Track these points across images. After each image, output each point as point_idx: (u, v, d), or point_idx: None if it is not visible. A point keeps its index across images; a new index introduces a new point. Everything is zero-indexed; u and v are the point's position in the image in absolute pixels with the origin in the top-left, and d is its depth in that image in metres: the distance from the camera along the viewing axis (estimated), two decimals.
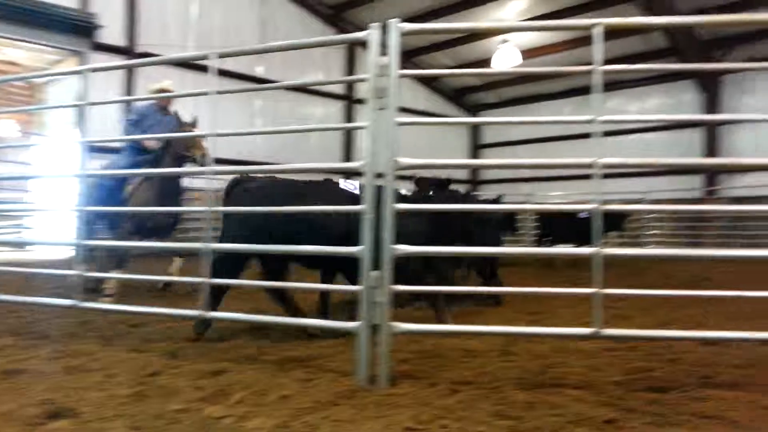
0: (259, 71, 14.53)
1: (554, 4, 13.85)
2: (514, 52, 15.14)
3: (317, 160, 15.47)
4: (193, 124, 5.68)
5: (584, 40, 13.71)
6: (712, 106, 14.75)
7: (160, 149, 5.89)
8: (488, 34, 14.70)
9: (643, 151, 15.65)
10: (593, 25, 2.79)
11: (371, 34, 3.00)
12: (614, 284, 2.90)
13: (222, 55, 3.50)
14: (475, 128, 20.22)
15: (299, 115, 15.57)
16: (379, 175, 2.96)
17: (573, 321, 4.54)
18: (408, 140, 15.51)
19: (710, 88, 14.82)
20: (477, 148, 20.24)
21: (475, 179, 20.03)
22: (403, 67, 3.06)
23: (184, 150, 5.70)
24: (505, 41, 15.02)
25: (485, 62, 15.82)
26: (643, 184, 14.63)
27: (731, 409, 2.55)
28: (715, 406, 2.58)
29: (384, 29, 3.00)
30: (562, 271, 8.99)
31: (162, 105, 6.16)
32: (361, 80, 3.12)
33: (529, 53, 15.45)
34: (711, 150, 14.81)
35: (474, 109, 20.10)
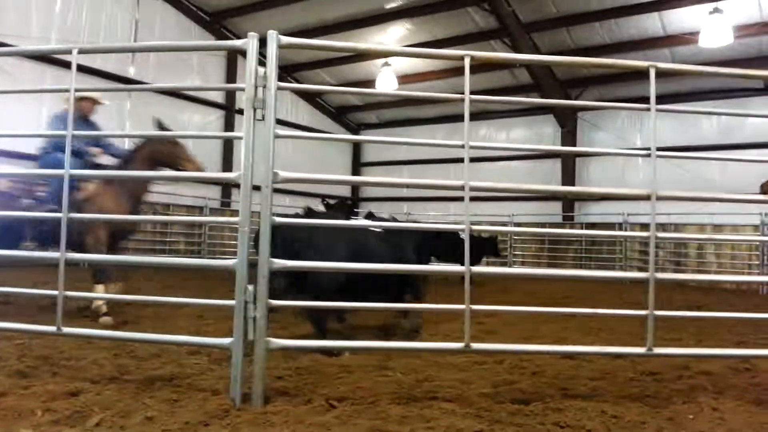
0: (132, 72, 13.74)
1: (432, 35, 14.51)
2: (394, 76, 15.63)
3: None
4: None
5: (458, 70, 14.49)
6: (569, 139, 16.18)
7: (125, 156, 5.56)
8: (368, 56, 15.05)
9: (510, 178, 16.75)
10: (463, 57, 2.93)
11: (248, 43, 2.94)
12: (483, 301, 3.04)
13: (82, 51, 3.23)
14: (357, 146, 20.56)
15: (175, 122, 14.84)
16: (256, 188, 2.89)
17: (446, 336, 4.71)
18: (290, 155, 15.41)
19: (567, 123, 16.26)
20: (359, 166, 20.58)
21: (357, 197, 20.32)
22: (285, 81, 3.02)
23: (171, 164, 5.41)
24: (386, 65, 15.44)
25: (367, 83, 16.19)
26: (510, 208, 15.66)
27: (587, 418, 2.75)
28: (573, 416, 2.76)
29: (262, 40, 2.94)
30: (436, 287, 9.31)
31: (83, 114, 5.63)
32: (239, 89, 3.05)
33: (408, 78, 16.03)
34: (569, 179, 16.18)
35: (356, 128, 20.45)
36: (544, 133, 17.04)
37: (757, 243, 12.13)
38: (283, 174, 2.95)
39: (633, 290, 10.13)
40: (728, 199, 3.58)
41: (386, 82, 15.43)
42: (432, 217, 16.50)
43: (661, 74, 3.35)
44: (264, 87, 2.92)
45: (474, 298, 2.93)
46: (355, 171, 20.46)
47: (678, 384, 3.50)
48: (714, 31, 11.73)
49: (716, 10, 11.60)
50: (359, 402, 2.84)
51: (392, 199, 18.83)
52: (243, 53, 2.97)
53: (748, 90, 13.83)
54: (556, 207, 16.56)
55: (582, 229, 15.16)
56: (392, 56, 15.07)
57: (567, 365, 3.92)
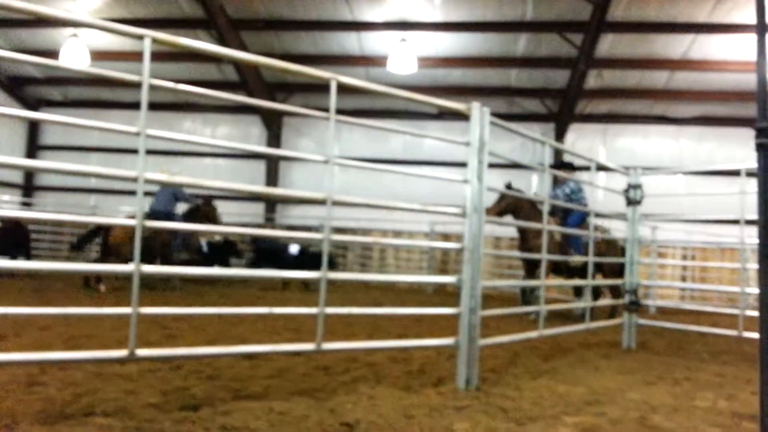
0: None
1: (131, 13, 13.31)
2: (84, 50, 13.91)
3: None
4: None
5: (159, 54, 13.62)
6: (274, 142, 16.57)
7: None
8: (53, 23, 13.16)
9: (216, 175, 16.39)
10: (142, 36, 2.69)
11: None
12: (172, 304, 2.83)
13: None
14: (34, 125, 17.71)
15: None
16: None
17: (116, 343, 4.31)
18: None
19: (273, 126, 16.64)
20: (36, 149, 17.74)
21: (31, 184, 17.55)
22: None
23: None
24: (74, 36, 13.70)
25: (51, 53, 14.07)
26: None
27: (253, 418, 2.75)
28: (240, 417, 2.74)
29: None
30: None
31: None
32: None
33: (104, 56, 14.46)
34: (273, 181, 16.54)
35: (34, 105, 17.59)
36: (251, 134, 17.09)
37: (426, 248, 14.14)
38: None
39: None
40: (395, 207, 3.97)
41: (74, 55, 13.64)
42: (125, 212, 15.17)
43: (352, 89, 3.61)
44: None
45: (158, 302, 2.71)
46: (31, 154, 17.57)
47: (345, 376, 3.78)
48: (401, 59, 13.29)
49: (403, 40, 13.17)
50: None
51: (76, 190, 16.82)
52: None
53: (426, 114, 16.08)
54: (260, 208, 16.78)
55: (282, 230, 15.69)
56: (68, 26, 13.43)
57: (245, 366, 3.93)
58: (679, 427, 2.97)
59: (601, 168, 5.94)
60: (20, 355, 2.68)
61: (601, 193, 11.59)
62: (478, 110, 3.71)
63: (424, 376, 3.95)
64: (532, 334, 4.60)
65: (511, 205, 8.09)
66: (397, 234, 14.62)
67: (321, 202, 3.25)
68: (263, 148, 12.86)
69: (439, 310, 3.99)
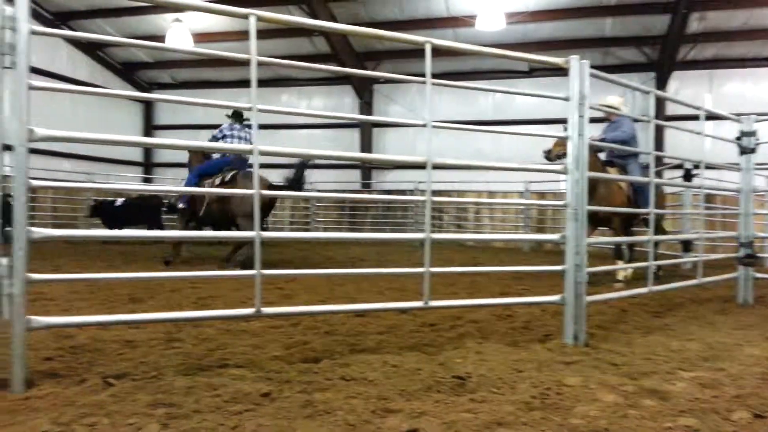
0: None
1: None
2: (187, 34, 14.67)
3: None
4: None
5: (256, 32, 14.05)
6: (366, 110, 16.80)
7: None
8: (156, 9, 14.02)
9: (312, 145, 16.95)
10: (248, 15, 2.85)
11: None
12: (283, 266, 3.05)
13: None
14: (149, 108, 19.07)
15: None
16: (7, 147, 2.51)
17: (242, 303, 4.67)
18: (69, 115, 13.75)
19: (365, 94, 16.84)
20: (151, 128, 19.17)
21: (149, 161, 19.11)
22: (58, 29, 2.65)
23: None
24: (177, 20, 14.46)
25: (157, 39, 15.00)
26: (312, 175, 15.92)
27: (370, 369, 2.93)
28: (358, 369, 2.92)
29: None
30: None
31: None
32: None
33: (204, 37, 15.18)
34: (367, 148, 16.85)
35: (147, 87, 18.89)
36: (344, 103, 17.46)
37: (522, 207, 13.92)
38: (42, 132, 2.59)
39: (422, 252, 10.98)
40: (496, 167, 3.99)
41: (178, 39, 14.43)
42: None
43: (440, 52, 3.63)
44: (13, 30, 2.52)
45: (272, 264, 2.93)
46: (148, 133, 19.05)
47: (451, 332, 3.90)
48: (489, 16, 12.94)
49: None
50: (141, 377, 2.68)
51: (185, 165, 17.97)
52: None
53: (516, 72, 15.63)
54: (356, 174, 17.18)
55: (379, 195, 16.00)
56: (172, 8, 14.13)
57: (357, 323, 4.14)
58: None
59: (709, 117, 5.57)
60: (161, 315, 3.00)
61: (708, 142, 10.89)
62: (578, 63, 3.62)
63: (529, 332, 3.98)
64: (641, 290, 4.49)
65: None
66: (492, 194, 14.44)
67: (420, 166, 3.33)
68: (362, 116, 13.17)
69: (544, 267, 3.99)
